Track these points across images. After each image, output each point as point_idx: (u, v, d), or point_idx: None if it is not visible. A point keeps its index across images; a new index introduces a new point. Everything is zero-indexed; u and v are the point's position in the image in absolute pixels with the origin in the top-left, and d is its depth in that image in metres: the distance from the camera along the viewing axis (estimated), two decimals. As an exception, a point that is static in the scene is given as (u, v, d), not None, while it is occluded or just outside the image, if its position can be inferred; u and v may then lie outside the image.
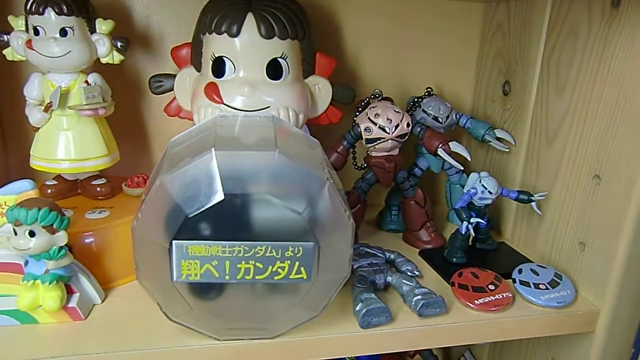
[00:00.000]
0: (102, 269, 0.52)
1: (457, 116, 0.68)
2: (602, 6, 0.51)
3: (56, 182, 0.59)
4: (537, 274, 0.55)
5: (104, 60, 0.56)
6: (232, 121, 0.47)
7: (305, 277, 0.41)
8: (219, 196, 0.37)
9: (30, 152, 0.56)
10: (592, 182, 0.53)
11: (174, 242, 0.38)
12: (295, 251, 0.40)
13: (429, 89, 0.68)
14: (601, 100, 0.52)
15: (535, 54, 0.62)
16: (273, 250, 0.39)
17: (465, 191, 0.60)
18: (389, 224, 0.70)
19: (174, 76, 0.59)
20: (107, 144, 0.57)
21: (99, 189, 0.59)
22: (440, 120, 0.66)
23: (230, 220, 0.38)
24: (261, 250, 0.39)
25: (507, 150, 0.67)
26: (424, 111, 0.67)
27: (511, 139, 0.66)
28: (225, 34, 0.53)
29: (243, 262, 0.39)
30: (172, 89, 0.60)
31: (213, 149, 0.38)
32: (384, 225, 0.71)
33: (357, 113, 0.62)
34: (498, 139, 0.67)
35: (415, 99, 0.68)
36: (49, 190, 0.58)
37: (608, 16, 0.51)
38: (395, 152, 0.62)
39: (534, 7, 0.62)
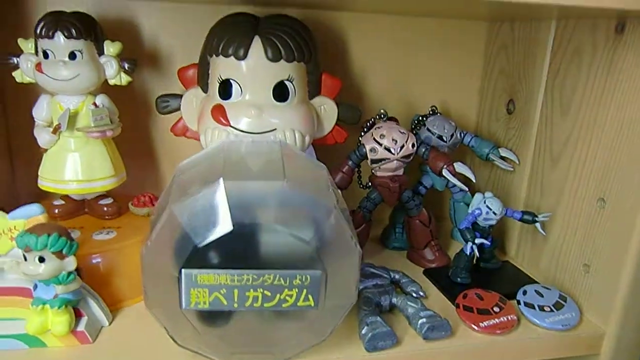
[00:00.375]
0: (110, 290, 0.52)
1: (462, 135, 0.69)
2: (606, 31, 0.52)
3: (64, 202, 0.59)
4: (542, 296, 0.56)
5: (111, 82, 0.57)
6: (240, 147, 0.48)
7: (312, 305, 0.41)
8: (227, 226, 0.38)
9: (39, 173, 0.57)
10: (597, 205, 0.54)
11: (183, 270, 0.38)
12: (303, 279, 0.40)
13: (433, 108, 0.69)
14: (606, 124, 0.53)
15: (539, 75, 0.62)
16: (281, 279, 0.40)
17: (469, 212, 0.60)
18: (393, 241, 0.71)
19: (181, 96, 0.60)
20: (114, 165, 0.58)
21: (105, 208, 0.59)
22: (445, 139, 0.67)
23: (238, 249, 0.39)
24: (269, 278, 0.40)
25: (512, 169, 0.67)
26: (428, 130, 0.67)
27: (515, 158, 0.67)
28: (232, 57, 0.54)
29: (251, 290, 0.40)
30: (178, 109, 0.60)
31: (222, 179, 0.38)
32: (388, 243, 0.71)
33: (363, 133, 0.62)
34: (502, 157, 0.67)
35: (420, 118, 0.68)
36: (57, 210, 0.58)
37: (612, 41, 0.51)
38: (400, 172, 0.62)
39: (538, 29, 0.62)
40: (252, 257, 0.39)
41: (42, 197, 0.60)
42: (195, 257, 0.38)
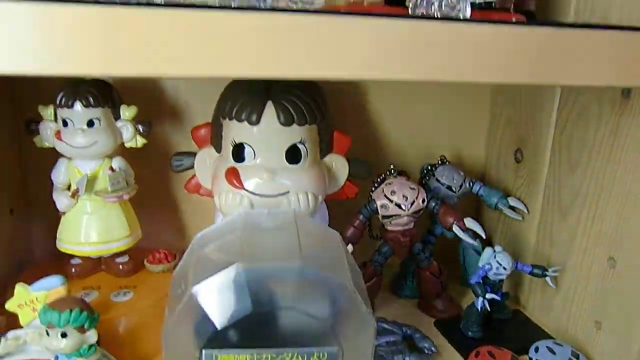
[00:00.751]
0: (129, 352, 0.53)
1: (471, 184, 0.69)
2: (612, 95, 0.53)
3: (81, 261, 0.60)
4: (554, 353, 0.56)
5: (127, 145, 0.58)
6: (257, 220, 0.49)
7: (329, 379, 0.42)
8: (247, 309, 0.39)
9: (57, 235, 0.58)
10: (607, 264, 0.54)
11: (203, 351, 0.39)
12: (321, 356, 0.41)
13: (442, 157, 0.70)
14: (614, 184, 0.53)
15: (546, 130, 0.63)
16: (299, 356, 0.41)
17: (480, 266, 0.61)
18: (404, 290, 0.71)
19: (194, 154, 0.61)
20: (129, 225, 0.59)
21: (121, 266, 0.61)
22: (454, 190, 0.67)
23: (257, 329, 0.40)
24: (288, 356, 0.40)
25: (520, 219, 0.68)
26: (437, 180, 0.68)
27: (524, 207, 0.67)
28: (245, 122, 0.55)
29: (270, 367, 0.41)
30: (192, 167, 0.61)
31: (240, 263, 0.39)
32: (399, 292, 0.72)
33: (374, 188, 0.63)
34: (511, 207, 0.68)
35: (429, 167, 0.69)
36: (74, 270, 0.60)
37: (619, 104, 0.52)
38: (411, 225, 0.63)
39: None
40: (270, 336, 0.40)
41: (59, 256, 0.61)
42: (215, 338, 0.39)
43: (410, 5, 0.42)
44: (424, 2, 0.42)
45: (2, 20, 0.28)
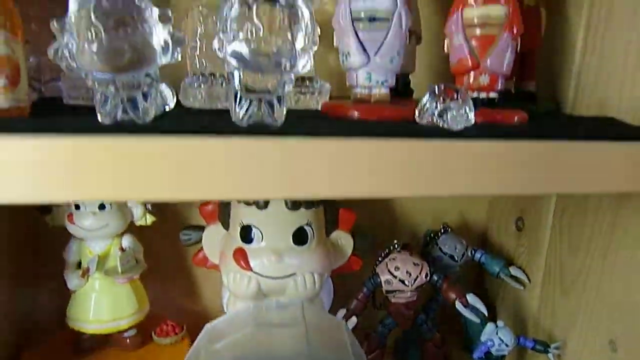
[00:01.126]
0: None
1: (473, 252, 0.70)
2: (610, 185, 0.54)
3: (90, 336, 0.61)
4: None
5: (138, 224, 0.60)
6: (266, 315, 0.50)
7: None
8: (256, 417, 0.40)
9: (67, 313, 0.59)
10: (608, 347, 0.55)
11: None
12: None
13: (444, 225, 0.71)
14: (614, 270, 0.54)
15: (546, 209, 0.64)
16: None
17: (482, 341, 0.62)
18: (407, 357, 0.72)
19: (202, 229, 0.62)
20: (138, 301, 0.60)
21: (129, 340, 0.62)
22: (457, 259, 0.69)
23: None
24: None
25: (522, 288, 0.69)
26: (440, 249, 0.69)
27: (525, 277, 0.68)
28: (253, 206, 0.56)
29: None
30: (200, 241, 0.62)
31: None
32: (402, 359, 0.72)
33: (378, 262, 0.64)
34: (513, 276, 0.69)
35: (432, 235, 0.71)
36: (83, 344, 0.61)
37: (617, 198, 0.53)
38: (414, 298, 0.64)
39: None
40: None
41: (69, 332, 0.61)
42: None
43: (417, 114, 0.44)
44: (429, 111, 0.44)
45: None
